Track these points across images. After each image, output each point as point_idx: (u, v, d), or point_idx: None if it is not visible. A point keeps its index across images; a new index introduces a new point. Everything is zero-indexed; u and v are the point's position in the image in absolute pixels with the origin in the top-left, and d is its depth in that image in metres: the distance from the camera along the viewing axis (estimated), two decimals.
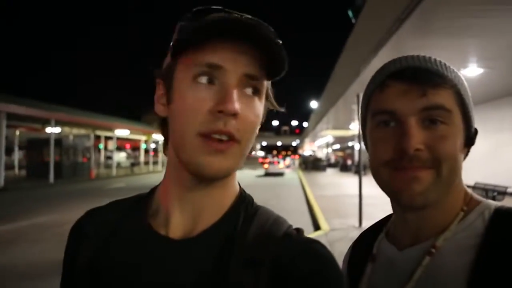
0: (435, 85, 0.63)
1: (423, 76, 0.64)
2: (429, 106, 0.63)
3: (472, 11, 5.08)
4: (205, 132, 0.53)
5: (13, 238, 7.13)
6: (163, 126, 0.63)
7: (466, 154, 0.69)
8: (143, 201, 0.67)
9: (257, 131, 0.60)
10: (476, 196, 0.69)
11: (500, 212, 0.63)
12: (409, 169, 0.62)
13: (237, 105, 0.53)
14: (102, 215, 0.67)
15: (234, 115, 0.53)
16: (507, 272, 0.55)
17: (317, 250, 0.57)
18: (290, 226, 0.62)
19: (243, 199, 0.64)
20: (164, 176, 0.64)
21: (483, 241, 0.60)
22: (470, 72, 8.02)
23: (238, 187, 0.66)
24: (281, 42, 0.58)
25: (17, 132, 26.76)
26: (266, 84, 0.61)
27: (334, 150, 55.05)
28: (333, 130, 28.12)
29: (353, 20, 12.36)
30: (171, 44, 0.57)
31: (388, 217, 0.81)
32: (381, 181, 0.67)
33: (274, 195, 15.20)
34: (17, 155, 29.32)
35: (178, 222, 0.60)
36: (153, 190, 0.68)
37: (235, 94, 0.53)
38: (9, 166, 24.11)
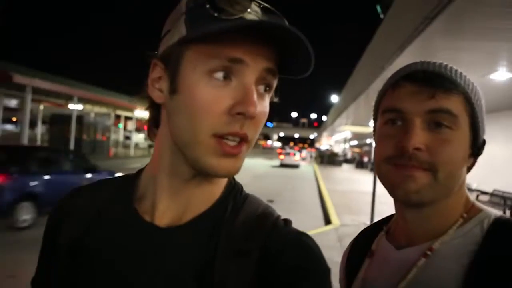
0: (445, 89, 0.64)
1: (434, 79, 0.65)
2: (436, 109, 0.64)
3: (505, 13, 4.90)
4: (221, 133, 0.51)
5: None
6: (154, 110, 0.61)
7: (473, 164, 0.70)
8: (131, 183, 0.65)
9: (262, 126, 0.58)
10: (479, 204, 0.70)
11: (498, 222, 0.64)
12: (406, 167, 0.64)
13: (258, 108, 0.51)
14: (88, 195, 0.66)
15: (253, 117, 0.51)
16: (499, 284, 0.56)
17: (304, 242, 0.57)
18: (279, 216, 0.62)
19: (232, 187, 0.64)
20: (151, 161, 0.63)
21: (479, 250, 0.61)
22: (499, 76, 7.77)
23: None
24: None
25: (41, 107, 27.43)
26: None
27: (351, 146, 54.49)
28: (352, 125, 27.81)
29: (381, 16, 12.10)
30: (181, 30, 0.53)
31: (390, 216, 0.83)
32: (382, 176, 0.70)
33: (287, 187, 15.21)
34: (40, 129, 30.09)
35: (166, 210, 0.59)
36: (140, 171, 0.66)
37: (255, 94, 0.51)
38: (32, 140, 24.78)
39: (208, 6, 0.51)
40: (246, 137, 0.53)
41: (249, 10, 0.52)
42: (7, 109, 27.99)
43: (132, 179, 0.66)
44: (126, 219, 0.60)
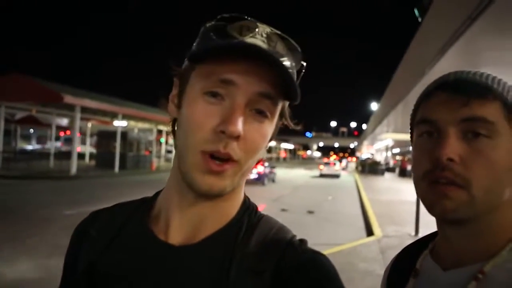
0: (479, 95, 0.61)
1: (466, 86, 0.62)
2: (470, 117, 0.60)
3: None
4: (207, 151, 0.53)
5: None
6: (174, 126, 0.63)
7: None
8: (147, 205, 0.66)
9: (262, 149, 0.58)
10: None
11: None
12: (441, 185, 0.60)
13: (239, 127, 0.51)
14: (106, 217, 0.67)
15: (236, 137, 0.52)
16: None
17: (319, 262, 0.56)
18: (294, 236, 0.61)
19: (247, 208, 0.64)
20: (168, 181, 0.64)
21: None
22: None
23: (242, 195, 0.65)
24: (301, 65, 0.59)
25: (89, 124, 29.00)
26: (283, 103, 0.59)
27: (393, 154, 52.77)
28: (393, 133, 26.95)
29: (419, 19, 11.75)
30: (191, 51, 0.58)
31: (436, 233, 0.78)
32: (419, 194, 0.67)
33: (327, 197, 14.95)
34: (88, 145, 31.74)
35: (179, 229, 0.60)
36: (158, 193, 0.68)
37: (240, 115, 0.52)
38: (81, 156, 26.17)
39: (212, 30, 0.56)
40: (230, 156, 0.53)
41: (256, 35, 0.55)
42: (59, 127, 29.91)
43: (149, 201, 0.68)
44: (141, 240, 0.61)
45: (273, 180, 21.92)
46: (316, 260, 0.57)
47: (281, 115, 0.61)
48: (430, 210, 0.64)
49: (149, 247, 0.59)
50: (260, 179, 19.06)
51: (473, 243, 0.64)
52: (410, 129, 0.74)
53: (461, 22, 5.72)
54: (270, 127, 0.58)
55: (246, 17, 0.57)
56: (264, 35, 0.56)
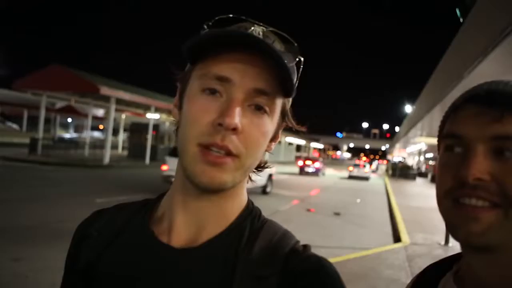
0: None
1: (500, 99, 0.55)
2: (502, 135, 0.54)
3: None
4: (204, 143, 0.53)
5: None
6: (177, 130, 0.64)
7: None
8: (149, 207, 0.66)
9: (263, 147, 0.58)
10: None
11: None
12: (468, 205, 0.54)
13: (237, 120, 0.52)
14: (107, 217, 0.67)
15: (234, 130, 0.52)
16: None
17: (323, 267, 0.56)
18: (298, 241, 0.61)
19: (250, 211, 0.63)
20: (173, 183, 0.64)
21: None
22: None
23: (246, 198, 0.65)
24: (298, 60, 0.59)
25: (123, 116, 29.92)
26: (283, 101, 0.60)
27: (426, 159, 51.15)
28: (427, 137, 26.12)
29: (461, 20, 11.26)
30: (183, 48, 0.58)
31: (461, 254, 0.72)
32: (442, 213, 0.61)
33: (355, 200, 14.70)
34: (121, 136, 32.80)
35: (181, 230, 0.60)
36: (161, 196, 0.68)
37: (237, 108, 0.53)
38: (114, 146, 27.05)
39: (211, 24, 0.58)
40: (229, 149, 0.53)
41: (253, 32, 0.56)
42: (95, 118, 31.07)
43: (152, 202, 0.68)
44: (141, 241, 0.60)
45: (323, 174, 29.47)
46: (320, 266, 0.56)
47: (284, 114, 0.62)
48: (453, 233, 0.58)
49: (149, 249, 0.59)
50: (316, 172, 27.86)
51: (501, 276, 0.57)
52: (438, 141, 0.68)
53: (507, 22, 5.41)
54: (270, 124, 0.58)
55: (243, 17, 0.58)
56: (261, 33, 0.57)
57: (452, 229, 0.58)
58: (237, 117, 0.52)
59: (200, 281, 0.55)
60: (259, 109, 0.56)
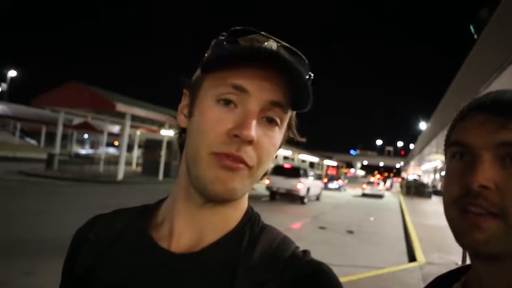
0: None
1: (505, 107, 0.56)
2: (508, 142, 0.54)
3: None
4: (219, 152, 0.53)
5: None
6: (181, 136, 0.64)
7: None
8: (148, 212, 0.66)
9: (272, 158, 0.59)
10: None
11: None
12: (472, 213, 0.54)
13: (253, 133, 0.52)
14: (105, 223, 0.67)
15: (250, 142, 0.52)
16: None
17: (323, 272, 0.55)
18: (297, 247, 0.61)
19: (250, 217, 0.63)
20: (173, 190, 0.64)
21: None
22: None
23: (246, 204, 0.65)
24: (308, 76, 0.60)
25: (138, 133, 30.34)
26: (291, 113, 0.60)
27: (442, 177, 50.09)
28: (442, 154, 25.67)
29: (475, 36, 11.20)
30: (203, 60, 0.59)
31: (470, 265, 0.71)
32: (448, 222, 0.60)
33: (369, 217, 14.45)
34: (135, 152, 33.18)
35: (181, 236, 0.59)
36: (160, 202, 0.68)
37: (254, 121, 0.53)
38: (128, 162, 27.36)
39: (224, 41, 0.58)
40: (243, 160, 0.53)
41: (266, 45, 0.56)
42: (110, 134, 31.60)
43: (151, 208, 0.67)
44: (140, 246, 0.60)
45: (345, 190, 34.57)
46: (319, 271, 0.56)
47: (289, 125, 0.62)
48: (459, 241, 0.58)
49: (148, 254, 0.59)
50: (339, 188, 33.72)
51: (508, 286, 0.56)
52: (444, 150, 0.68)
53: None
54: (280, 135, 0.58)
55: (256, 30, 0.58)
56: (274, 48, 0.57)
57: (457, 237, 0.58)
58: (253, 130, 0.52)
59: (200, 286, 0.54)
60: (270, 121, 0.56)
